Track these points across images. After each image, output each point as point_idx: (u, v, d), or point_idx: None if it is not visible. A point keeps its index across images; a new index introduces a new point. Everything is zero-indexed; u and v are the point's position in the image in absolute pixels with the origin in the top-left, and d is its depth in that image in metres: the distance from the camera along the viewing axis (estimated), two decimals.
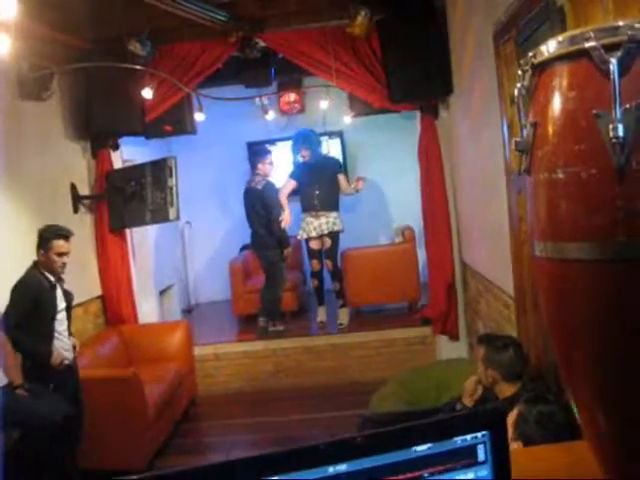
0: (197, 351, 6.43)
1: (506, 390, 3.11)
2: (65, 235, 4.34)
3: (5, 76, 4.96)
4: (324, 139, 8.94)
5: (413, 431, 0.94)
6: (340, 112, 7.93)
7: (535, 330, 3.67)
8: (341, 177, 7.07)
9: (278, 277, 6.93)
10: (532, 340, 3.74)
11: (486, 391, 3.28)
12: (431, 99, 5.98)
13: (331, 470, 0.88)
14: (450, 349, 6.30)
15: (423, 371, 5.19)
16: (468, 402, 3.31)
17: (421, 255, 7.19)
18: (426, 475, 0.94)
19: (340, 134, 8.95)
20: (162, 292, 8.09)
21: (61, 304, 4.36)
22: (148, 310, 7.04)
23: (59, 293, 4.35)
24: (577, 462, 1.27)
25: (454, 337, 6.30)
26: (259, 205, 6.79)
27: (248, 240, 7.91)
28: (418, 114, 6.45)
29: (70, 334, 4.49)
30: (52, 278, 4.29)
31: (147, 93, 5.62)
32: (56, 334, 4.27)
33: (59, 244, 4.28)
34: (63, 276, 4.46)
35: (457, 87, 5.58)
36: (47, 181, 5.48)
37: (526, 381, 3.07)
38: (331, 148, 8.97)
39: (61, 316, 4.35)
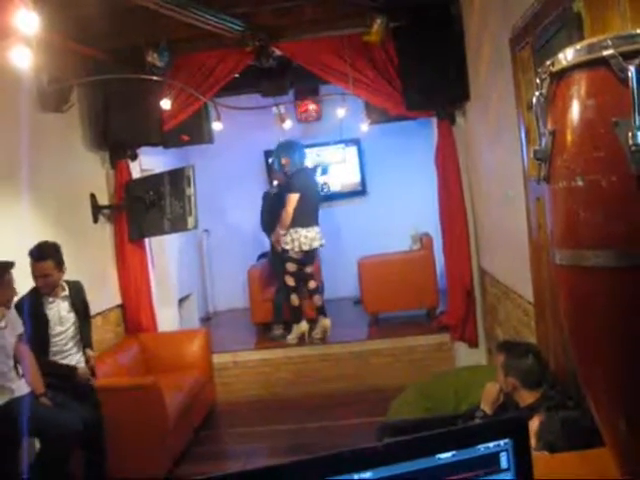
0: (216, 359, 6.44)
1: (526, 397, 3.09)
2: (40, 256, 4.16)
3: (25, 89, 5.03)
4: (341, 147, 9.00)
5: (437, 439, 0.95)
6: (357, 120, 7.94)
7: (554, 337, 3.66)
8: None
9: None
10: (551, 347, 3.72)
11: (506, 398, 3.26)
12: (447, 106, 5.97)
13: (356, 477, 0.89)
14: (469, 356, 6.27)
15: (442, 378, 5.17)
16: (488, 409, 3.30)
17: (439, 262, 7.19)
18: None
19: (357, 142, 8.97)
20: (181, 300, 8.12)
21: (60, 326, 4.31)
22: (167, 318, 7.07)
23: (59, 316, 4.31)
24: (599, 469, 1.27)
25: (473, 344, 6.28)
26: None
27: (266, 248, 7.98)
28: (434, 120, 6.45)
29: (85, 346, 4.49)
30: (49, 302, 4.26)
31: (165, 104, 5.67)
32: (54, 353, 4.27)
33: (37, 266, 4.16)
34: (85, 284, 4.49)
35: (474, 93, 5.58)
36: (67, 192, 5.54)
37: (546, 388, 3.05)
38: (348, 156, 9.00)
39: (61, 338, 4.32)
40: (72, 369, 4.32)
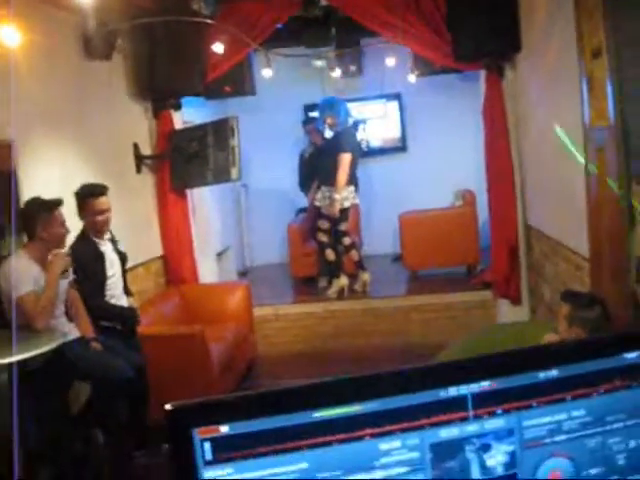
0: (256, 312, 6.45)
1: None
2: (100, 192, 4.18)
3: (72, 34, 4.99)
4: (382, 102, 8.87)
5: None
6: (398, 74, 7.81)
7: (613, 292, 3.57)
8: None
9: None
10: (609, 301, 3.64)
11: None
12: (498, 56, 5.81)
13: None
14: (511, 313, 6.20)
15: (486, 333, 5.10)
16: None
17: (481, 219, 7.11)
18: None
19: (398, 96, 8.84)
20: (218, 254, 8.13)
21: (112, 268, 4.29)
22: (206, 271, 7.07)
23: (110, 257, 4.29)
24: None
25: (516, 301, 6.20)
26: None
27: (304, 203, 7.94)
28: (482, 74, 6.30)
29: (127, 294, 4.49)
30: (101, 243, 4.24)
31: (218, 47, 5.59)
32: (109, 298, 4.27)
33: (97, 202, 4.13)
34: (122, 235, 4.47)
35: (526, 44, 5.42)
36: (111, 141, 5.52)
37: None
38: (389, 110, 8.88)
39: (113, 280, 4.30)
40: (133, 310, 4.36)
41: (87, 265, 4.10)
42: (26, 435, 3.34)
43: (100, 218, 4.16)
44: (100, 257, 4.20)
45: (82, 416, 4.04)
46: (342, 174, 6.57)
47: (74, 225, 4.08)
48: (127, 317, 4.31)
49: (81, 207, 4.16)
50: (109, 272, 4.25)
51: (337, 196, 6.59)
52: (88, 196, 4.14)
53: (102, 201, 4.16)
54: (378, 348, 6.32)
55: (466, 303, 6.55)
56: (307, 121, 7.91)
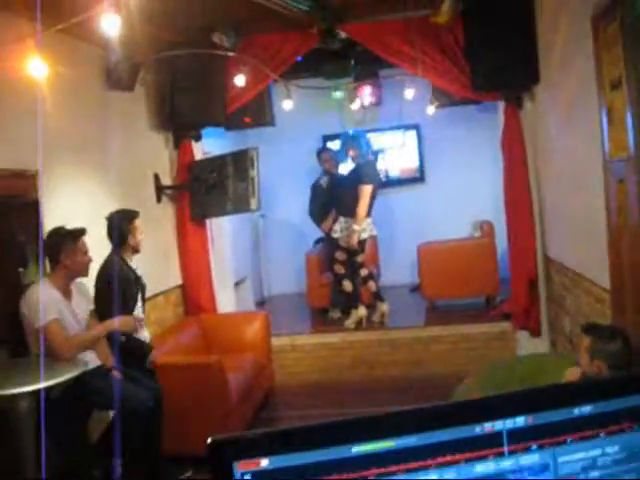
0: (273, 342, 6.43)
1: None
2: (134, 215, 4.43)
3: (96, 66, 5.08)
4: (400, 132, 8.92)
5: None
6: (416, 105, 7.84)
7: (635, 323, 3.54)
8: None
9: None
10: (631, 333, 3.61)
11: None
12: (516, 88, 5.84)
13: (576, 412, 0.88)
14: (531, 345, 6.15)
15: (505, 366, 5.07)
16: None
17: (500, 250, 7.09)
18: None
19: (416, 127, 8.89)
20: (236, 284, 8.15)
21: (138, 295, 4.39)
22: (224, 301, 7.08)
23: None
24: None
25: (535, 333, 6.15)
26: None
27: (321, 234, 7.96)
28: (500, 106, 6.32)
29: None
30: (134, 267, 4.33)
31: (239, 80, 5.68)
32: (137, 317, 4.31)
33: (134, 225, 4.37)
34: (142, 264, 4.52)
35: (545, 75, 5.44)
36: (132, 171, 5.59)
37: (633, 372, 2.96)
38: (407, 140, 8.92)
39: (139, 306, 4.38)
40: (149, 346, 4.38)
41: (126, 285, 4.18)
42: (45, 463, 3.34)
43: (140, 237, 4.39)
44: (138, 279, 4.29)
45: (101, 445, 4.04)
46: (363, 205, 6.60)
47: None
48: (146, 352, 4.32)
49: (122, 228, 4.30)
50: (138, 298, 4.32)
51: (356, 227, 6.61)
52: (131, 219, 4.35)
53: (139, 223, 4.42)
54: (395, 379, 6.29)
55: (485, 334, 6.50)
56: (322, 150, 7.93)
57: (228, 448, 0.81)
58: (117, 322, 3.94)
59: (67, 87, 4.51)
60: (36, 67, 3.58)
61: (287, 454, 0.82)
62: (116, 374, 3.93)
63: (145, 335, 4.44)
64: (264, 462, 0.82)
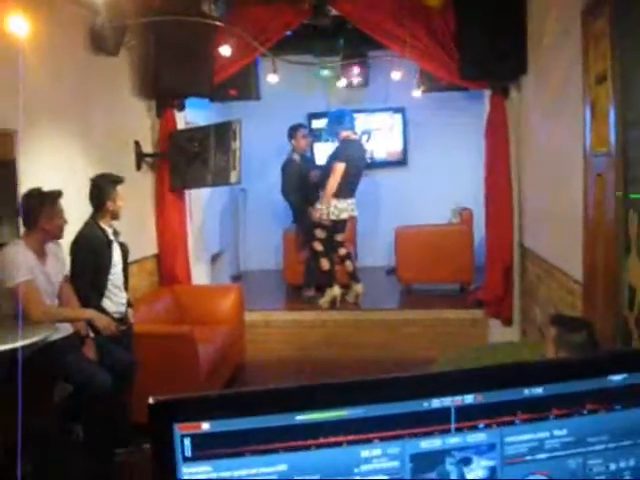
0: (247, 317, 6.43)
1: None
2: (118, 180, 4.38)
3: (80, 28, 4.99)
4: (388, 114, 8.89)
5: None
6: (403, 88, 7.80)
7: (604, 317, 3.57)
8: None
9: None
10: (602, 335, 3.62)
11: None
12: (503, 78, 5.83)
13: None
14: (502, 334, 6.20)
15: (475, 352, 5.10)
16: None
17: (477, 238, 7.12)
18: None
19: (402, 110, 8.86)
20: (213, 257, 8.12)
21: (117, 259, 4.35)
22: (199, 273, 7.06)
23: (116, 248, 4.35)
24: None
25: (507, 321, 6.21)
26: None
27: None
28: (486, 94, 6.31)
29: (126, 289, 4.50)
30: (110, 232, 4.29)
31: (225, 50, 5.60)
32: (112, 288, 4.28)
33: (115, 192, 4.30)
34: (120, 230, 4.49)
35: (532, 67, 5.44)
36: (113, 137, 5.51)
37: None
38: (395, 123, 8.91)
39: (117, 270, 4.33)
40: (125, 322, 4.37)
41: (97, 249, 4.15)
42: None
43: (121, 204, 4.31)
44: (110, 244, 4.26)
45: (64, 409, 4.02)
46: (332, 182, 6.53)
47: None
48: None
49: (104, 192, 4.25)
50: (115, 259, 4.28)
51: (319, 206, 6.63)
52: (114, 184, 4.29)
53: (121, 190, 4.37)
54: (367, 360, 6.29)
55: (458, 320, 6.54)
56: (297, 126, 7.60)
57: (170, 409, 0.81)
58: (98, 321, 3.95)
59: (49, 47, 4.42)
60: (17, 24, 3.50)
61: (229, 419, 0.81)
62: (88, 341, 3.91)
63: (123, 296, 4.42)
64: (205, 426, 0.81)
